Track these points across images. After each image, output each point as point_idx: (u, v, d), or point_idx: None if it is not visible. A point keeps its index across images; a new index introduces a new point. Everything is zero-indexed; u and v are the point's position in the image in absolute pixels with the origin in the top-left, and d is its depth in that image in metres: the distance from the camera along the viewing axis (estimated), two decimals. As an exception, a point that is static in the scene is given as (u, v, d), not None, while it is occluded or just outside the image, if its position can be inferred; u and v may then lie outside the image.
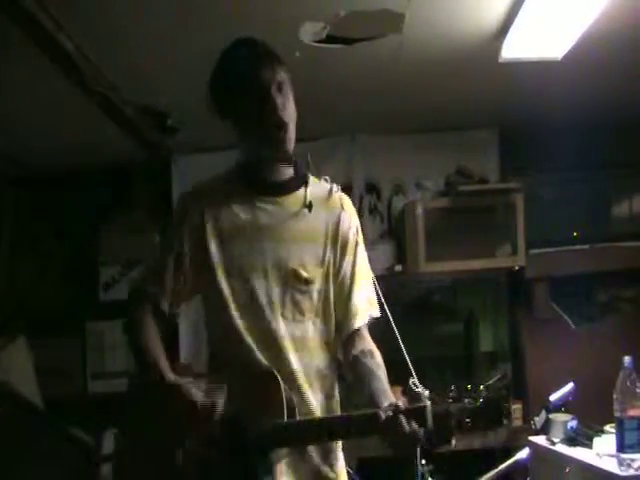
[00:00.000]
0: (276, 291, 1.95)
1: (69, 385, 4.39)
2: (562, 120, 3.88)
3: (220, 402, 1.82)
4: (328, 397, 2.02)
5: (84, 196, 4.54)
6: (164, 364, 1.87)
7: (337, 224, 2.03)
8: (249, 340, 1.92)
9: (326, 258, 2.01)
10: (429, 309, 4.36)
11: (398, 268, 4.04)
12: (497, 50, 3.10)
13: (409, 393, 1.82)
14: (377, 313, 2.08)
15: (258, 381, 1.87)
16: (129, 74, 3.23)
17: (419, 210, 3.99)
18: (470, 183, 4.18)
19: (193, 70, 3.17)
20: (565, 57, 3.16)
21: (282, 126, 1.92)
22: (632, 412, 2.46)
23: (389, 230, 4.36)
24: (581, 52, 3.10)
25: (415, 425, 1.73)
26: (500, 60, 3.15)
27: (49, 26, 2.61)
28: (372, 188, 4.35)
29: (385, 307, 2.07)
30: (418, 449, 2.02)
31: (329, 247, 2.02)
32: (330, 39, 2.96)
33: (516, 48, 3.07)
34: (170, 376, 1.85)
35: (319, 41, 2.97)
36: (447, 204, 4.08)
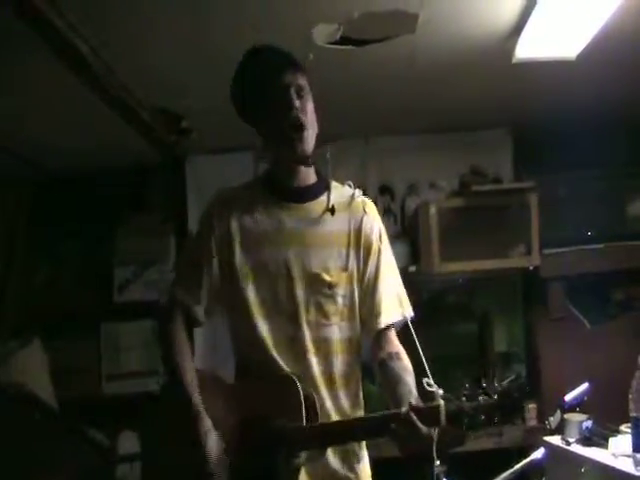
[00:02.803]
0: (300, 295, 1.97)
1: (84, 386, 4.40)
2: (576, 119, 3.87)
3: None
4: (353, 400, 2.03)
5: (98, 197, 4.56)
6: (193, 388, 1.90)
7: (360, 228, 2.05)
8: (273, 345, 1.95)
9: (349, 262, 2.02)
10: (443, 309, 4.36)
11: (412, 268, 4.05)
12: (511, 50, 3.09)
13: (422, 392, 1.82)
14: (405, 315, 2.07)
15: (278, 386, 1.89)
16: (144, 76, 3.24)
17: (433, 210, 3.99)
18: (484, 183, 4.18)
19: (208, 72, 3.21)
20: (579, 56, 3.15)
21: (299, 126, 1.94)
22: (647, 411, 2.45)
23: (403, 231, 4.36)
24: (595, 51, 3.08)
25: (425, 427, 1.74)
26: (514, 60, 3.14)
27: (64, 29, 2.62)
28: (386, 189, 4.36)
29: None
30: (434, 449, 2.03)
31: (352, 251, 2.03)
32: (343, 40, 2.97)
33: (530, 48, 3.06)
34: (197, 402, 1.88)
35: (332, 43, 2.98)
36: (461, 204, 4.07)
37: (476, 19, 2.91)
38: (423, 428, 1.73)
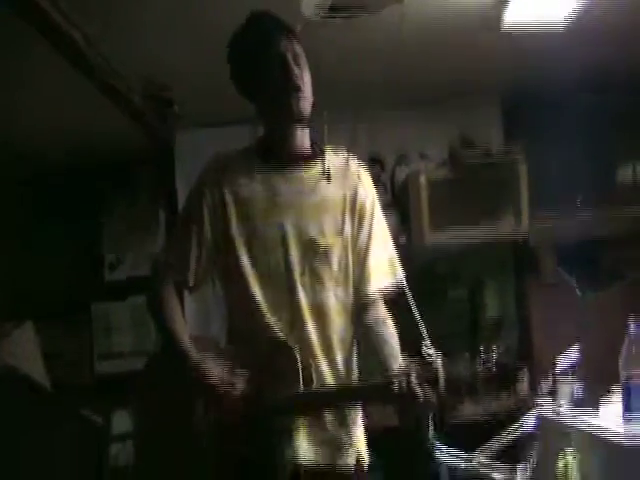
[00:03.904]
0: (295, 260, 1.97)
1: (76, 366, 4.41)
2: (565, 87, 3.86)
3: (240, 385, 1.87)
4: (349, 367, 2.04)
5: (87, 179, 4.55)
6: (189, 345, 1.93)
7: (355, 194, 2.06)
8: (268, 310, 1.96)
9: (345, 227, 2.03)
10: (434, 279, 4.37)
11: (402, 239, 4.06)
12: (499, 20, 3.08)
13: (422, 357, 1.84)
14: (393, 282, 2.08)
15: (274, 352, 1.91)
16: (130, 51, 3.20)
17: (423, 180, 3.99)
18: (473, 153, 4.18)
19: (195, 45, 3.18)
20: (567, 25, 3.14)
21: (298, 89, 1.95)
22: (638, 377, 2.47)
23: (393, 201, 4.36)
24: (583, 20, 3.08)
25: (428, 390, 1.77)
26: (502, 29, 3.14)
27: (54, 14, 2.60)
28: (375, 160, 4.34)
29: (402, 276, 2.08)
30: (429, 416, 2.07)
31: (347, 217, 2.04)
32: (332, 11, 2.95)
33: (518, 15, 3.05)
34: (195, 356, 1.91)
35: (320, 15, 2.96)
36: (451, 174, 4.07)
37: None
38: (421, 394, 1.76)
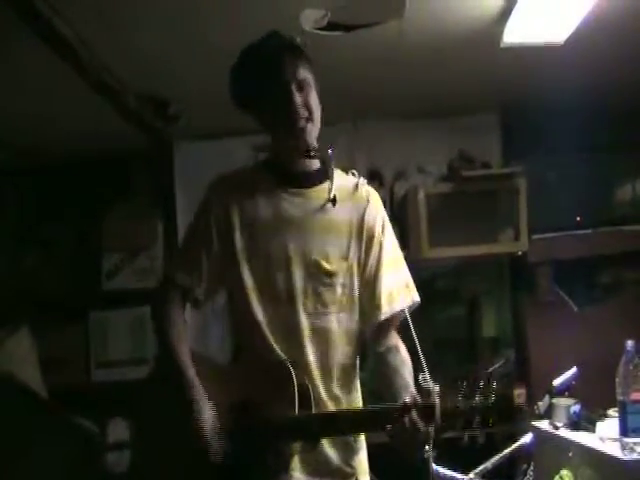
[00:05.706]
0: (298, 283, 1.96)
1: (73, 374, 4.39)
2: (564, 103, 3.86)
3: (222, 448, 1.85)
4: (349, 390, 2.02)
5: (86, 184, 4.54)
6: (188, 365, 1.92)
7: (362, 218, 2.03)
8: (269, 331, 1.94)
9: (350, 252, 2.00)
10: (432, 294, 4.36)
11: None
12: (499, 35, 3.08)
13: (419, 388, 1.82)
14: (403, 306, 2.03)
15: (272, 373, 1.89)
16: (131, 61, 3.22)
17: (421, 195, 3.99)
18: (472, 168, 4.17)
19: (195, 57, 3.19)
20: (567, 40, 3.14)
21: (299, 123, 1.93)
22: (635, 396, 2.46)
23: (391, 216, 4.32)
24: (583, 35, 3.08)
25: (423, 424, 1.74)
26: (502, 45, 3.14)
27: (46, 11, 2.60)
28: (374, 174, 4.33)
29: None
30: (429, 446, 2.05)
31: (354, 241, 2.01)
32: (331, 26, 2.95)
33: (517, 32, 3.06)
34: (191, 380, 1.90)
35: (320, 28, 2.96)
36: (450, 189, 4.07)
37: (464, 4, 2.90)
38: (416, 427, 1.74)
